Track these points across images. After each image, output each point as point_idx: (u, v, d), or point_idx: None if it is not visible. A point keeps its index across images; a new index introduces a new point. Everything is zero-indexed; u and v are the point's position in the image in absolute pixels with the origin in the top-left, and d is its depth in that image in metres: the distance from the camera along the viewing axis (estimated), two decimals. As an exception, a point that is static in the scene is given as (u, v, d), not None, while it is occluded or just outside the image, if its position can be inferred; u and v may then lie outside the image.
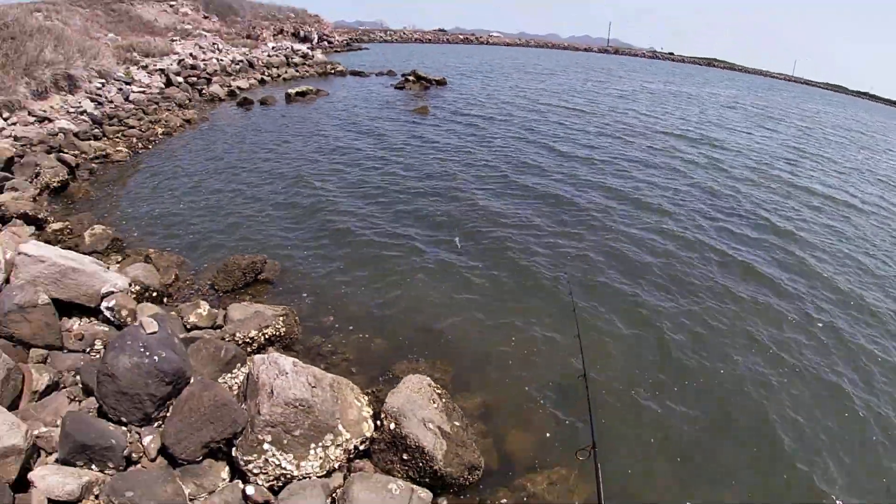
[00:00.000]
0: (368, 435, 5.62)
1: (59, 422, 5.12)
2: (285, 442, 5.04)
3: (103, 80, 22.63)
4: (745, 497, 6.27)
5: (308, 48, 50.95)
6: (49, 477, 4.36)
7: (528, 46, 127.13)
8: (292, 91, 28.70)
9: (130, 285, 7.81)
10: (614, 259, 11.40)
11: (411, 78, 36.05)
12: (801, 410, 7.63)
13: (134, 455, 4.96)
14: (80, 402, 5.68)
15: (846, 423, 7.59)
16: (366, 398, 6.09)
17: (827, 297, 10.96)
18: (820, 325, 9.86)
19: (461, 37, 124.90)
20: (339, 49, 67.90)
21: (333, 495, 5.07)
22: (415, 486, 5.21)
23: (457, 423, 5.86)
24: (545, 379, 7.51)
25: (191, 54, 34.31)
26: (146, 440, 5.06)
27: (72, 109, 18.47)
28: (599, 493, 4.10)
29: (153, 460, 4.99)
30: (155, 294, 8.24)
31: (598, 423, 5.05)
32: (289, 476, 5.01)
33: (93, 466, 4.74)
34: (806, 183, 19.93)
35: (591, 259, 11.29)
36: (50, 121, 16.77)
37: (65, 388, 5.95)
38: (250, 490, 4.86)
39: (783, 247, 13.06)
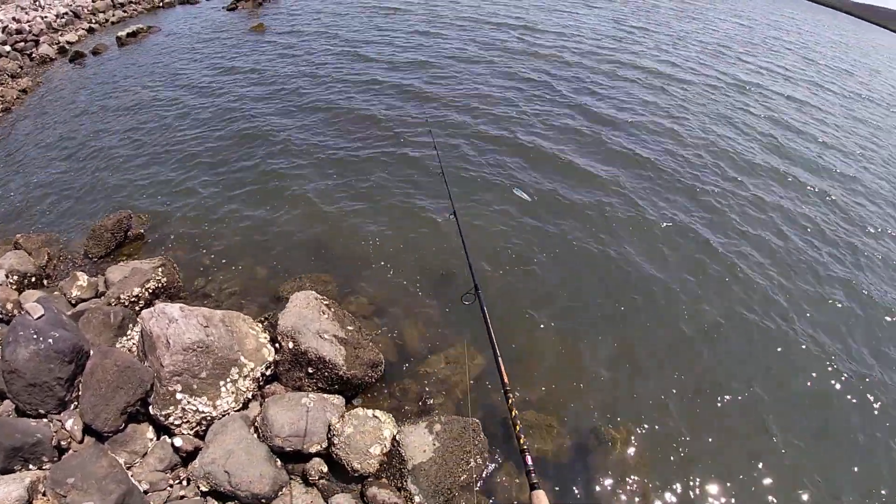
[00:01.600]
0: (271, 359, 5.73)
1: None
2: (195, 387, 5.08)
3: (-73, 68, 20.41)
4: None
5: (130, -18, 46.93)
6: (-5, 490, 4.28)
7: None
8: (123, 34, 26.26)
9: (7, 276, 7.41)
10: (474, 137, 11.60)
11: (242, -3, 33.65)
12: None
13: (63, 442, 4.91)
14: (-5, 408, 5.51)
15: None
16: (260, 326, 6.14)
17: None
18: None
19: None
20: (163, -23, 62.91)
21: (255, 423, 5.20)
22: (326, 395, 5.41)
23: (350, 328, 6.02)
24: (422, 266, 7.75)
25: (14, 18, 31.05)
26: (68, 424, 5.01)
27: None
28: (489, 330, 4.35)
29: (81, 442, 4.97)
30: (34, 279, 7.81)
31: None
32: (209, 417, 5.10)
33: (30, 466, 4.68)
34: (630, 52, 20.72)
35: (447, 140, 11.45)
36: None
37: (-25, 398, 5.73)
38: (178, 442, 4.95)
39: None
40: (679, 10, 36.00)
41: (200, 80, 17.87)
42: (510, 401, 3.79)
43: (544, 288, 7.68)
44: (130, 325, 6.13)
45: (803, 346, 7.37)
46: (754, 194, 10.82)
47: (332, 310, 6.18)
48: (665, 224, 9.30)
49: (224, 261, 8.17)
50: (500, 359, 4.07)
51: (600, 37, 23.24)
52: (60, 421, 5.05)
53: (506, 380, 3.94)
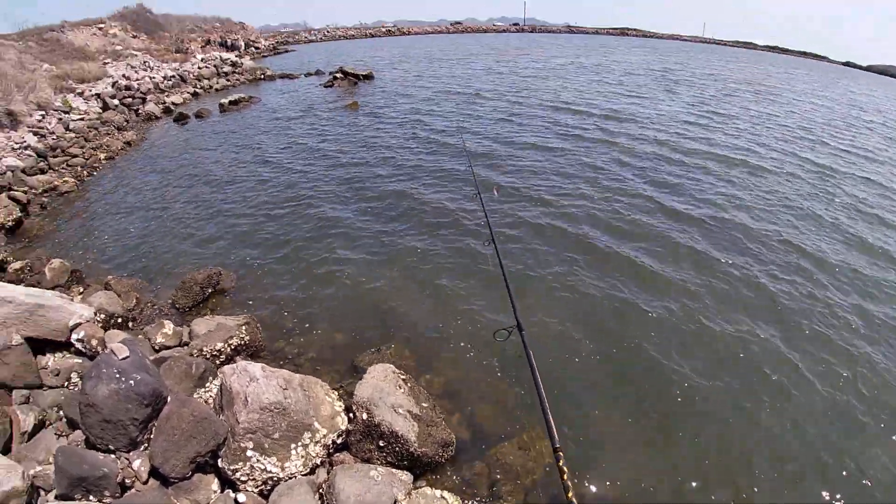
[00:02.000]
0: (344, 428, 5.73)
1: (51, 459, 5.12)
2: (266, 446, 5.12)
3: (43, 112, 21.84)
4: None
5: (236, 56, 49.81)
6: (52, 514, 4.37)
7: (448, 33, 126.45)
8: (226, 101, 28.11)
9: (96, 314, 7.71)
10: (539, 232, 11.62)
11: (339, 75, 35.54)
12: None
13: (127, 480, 4.97)
14: (67, 436, 5.66)
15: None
16: (336, 393, 6.18)
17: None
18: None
19: (384, 29, 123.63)
20: (266, 54, 66.65)
21: (320, 490, 5.16)
22: (395, 470, 5.36)
23: (424, 405, 6.01)
24: (500, 352, 7.69)
25: (124, 75, 33.25)
26: (136, 464, 5.08)
27: (16, 146, 17.83)
28: (533, 369, 4.30)
29: (145, 483, 5.01)
30: (120, 320, 8.15)
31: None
32: (275, 478, 5.10)
33: (90, 497, 4.73)
34: (705, 139, 20.25)
35: (514, 236, 11.46)
36: (-5, 160, 16.23)
37: (51, 424, 5.91)
38: (242, 498, 4.95)
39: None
40: (757, 93, 35.70)
41: (293, 151, 18.77)
42: (560, 461, 3.67)
43: (609, 389, 7.49)
44: (210, 378, 6.30)
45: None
46: (841, 303, 9.62)
47: (409, 384, 6.19)
48: (733, 335, 8.65)
49: (306, 325, 8.33)
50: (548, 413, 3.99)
51: (679, 123, 23.08)
52: (128, 459, 5.11)
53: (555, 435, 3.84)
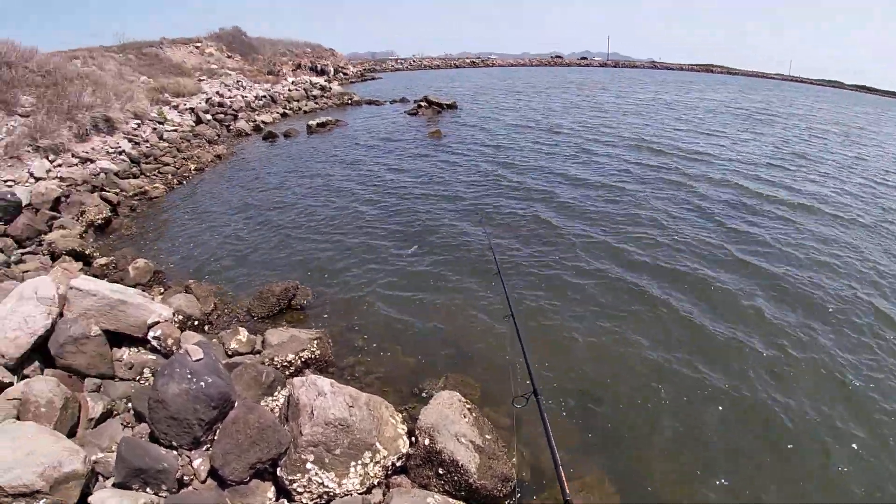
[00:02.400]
0: (404, 451, 5.60)
1: (114, 447, 5.18)
2: (327, 461, 5.05)
3: (139, 121, 22.88)
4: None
5: (325, 80, 51.33)
6: (108, 500, 4.39)
7: (532, 66, 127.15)
8: (313, 123, 28.87)
9: (174, 315, 7.87)
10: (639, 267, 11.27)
11: (423, 104, 36.08)
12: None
13: (185, 477, 4.98)
14: (132, 427, 5.74)
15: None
16: (400, 415, 6.07)
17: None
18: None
19: (468, 61, 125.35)
20: (354, 80, 68.37)
21: (375, 511, 5.06)
22: (451, 500, 5.19)
23: (488, 437, 5.82)
24: (569, 391, 7.45)
25: (217, 92, 34.65)
26: (196, 463, 5.09)
27: (111, 150, 18.70)
28: (548, 433, 4.06)
29: (203, 482, 5.00)
30: (197, 323, 8.33)
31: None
32: (331, 494, 5.00)
33: (147, 489, 4.74)
34: (786, 185, 18.98)
35: (611, 273, 11.12)
36: (92, 161, 17.01)
37: (118, 414, 6.01)
38: (295, 508, 4.89)
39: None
40: (844, 136, 33.74)
41: (376, 175, 19.03)
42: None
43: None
44: (278, 388, 6.30)
45: None
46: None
47: (474, 415, 6.01)
48: (820, 422, 7.82)
49: (375, 345, 8.30)
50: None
51: (760, 167, 21.78)
52: (189, 457, 5.13)
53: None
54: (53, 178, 15.11)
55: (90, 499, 4.42)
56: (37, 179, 14.74)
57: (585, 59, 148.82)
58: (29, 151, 15.83)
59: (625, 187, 17.50)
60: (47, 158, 15.91)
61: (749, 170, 20.89)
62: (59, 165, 16.06)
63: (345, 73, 68.99)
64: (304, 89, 43.63)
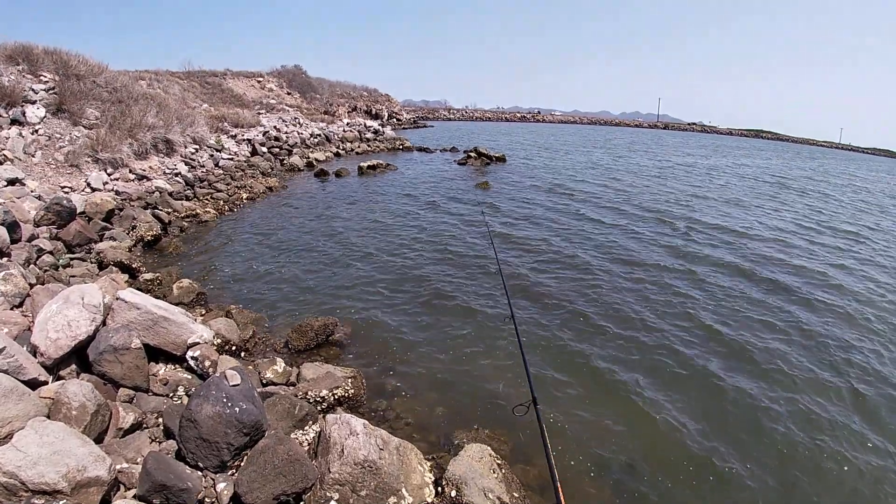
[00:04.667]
0: (430, 500, 5.48)
1: (139, 460, 5.22)
2: (351, 501, 4.96)
3: (197, 146, 23.59)
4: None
5: (379, 125, 52.42)
6: (127, 511, 4.39)
7: (582, 123, 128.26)
8: (364, 164, 29.44)
9: (214, 338, 7.97)
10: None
11: (473, 154, 36.50)
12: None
13: (207, 500, 4.96)
14: (160, 443, 5.75)
15: None
16: (428, 464, 5.97)
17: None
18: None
19: (518, 115, 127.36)
20: (406, 126, 69.92)
21: (395, 557, 4.95)
22: (472, 557, 5.07)
23: (515, 495, 5.68)
24: (604, 457, 7.23)
25: (274, 127, 35.61)
26: (220, 486, 5.05)
27: (168, 171, 19.25)
28: (545, 440, 3.97)
29: (224, 507, 4.97)
30: (234, 348, 8.37)
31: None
32: (352, 535, 4.93)
33: (167, 506, 4.76)
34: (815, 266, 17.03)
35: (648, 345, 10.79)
36: (148, 179, 17.50)
37: (147, 428, 6.03)
38: (315, 545, 4.81)
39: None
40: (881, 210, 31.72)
41: (424, 222, 19.14)
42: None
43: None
44: (310, 422, 6.27)
45: None
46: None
47: (503, 471, 5.89)
48: None
49: (409, 390, 8.19)
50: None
51: (779, 243, 19.77)
52: (213, 480, 5.11)
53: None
54: (109, 191, 15.57)
55: (109, 507, 4.43)
56: (93, 190, 15.21)
57: (644, 120, 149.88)
58: (89, 162, 16.36)
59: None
60: (105, 171, 16.43)
61: (768, 245, 19.39)
62: (117, 179, 16.55)
63: (398, 119, 70.54)
64: (358, 131, 44.60)
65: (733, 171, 45.72)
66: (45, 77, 18.87)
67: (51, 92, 18.12)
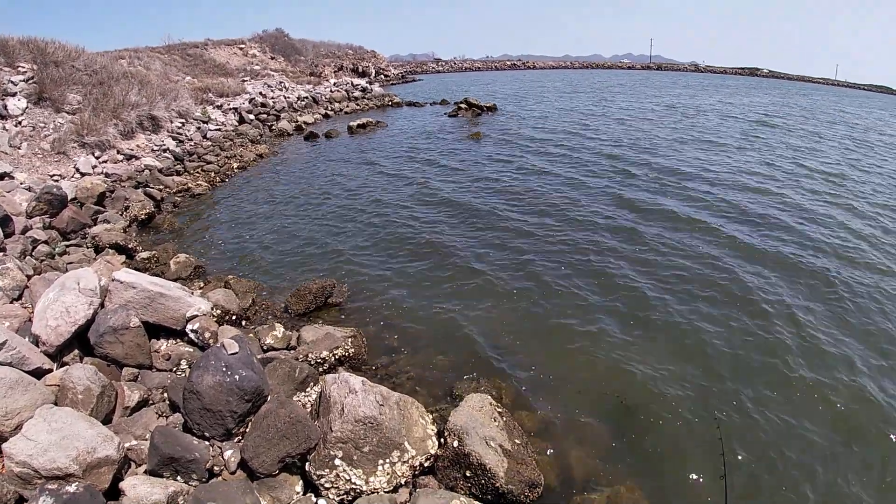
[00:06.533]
0: (433, 452, 5.59)
1: (148, 435, 5.32)
2: (355, 458, 5.06)
3: (183, 120, 23.39)
4: None
5: (367, 82, 51.80)
6: (139, 486, 4.49)
7: (573, 68, 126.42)
8: (354, 124, 29.18)
9: (212, 309, 8.04)
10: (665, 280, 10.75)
11: (463, 106, 36.11)
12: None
13: (216, 468, 5.09)
14: (167, 417, 5.88)
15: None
16: (430, 416, 6.05)
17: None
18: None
19: (508, 63, 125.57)
20: (395, 81, 68.99)
21: (400, 510, 5.07)
22: (476, 503, 5.17)
23: (517, 441, 5.76)
24: (602, 398, 7.29)
25: (260, 93, 35.21)
26: (227, 454, 5.18)
27: (156, 148, 19.16)
28: None
29: (233, 473, 5.08)
30: (234, 317, 8.47)
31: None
32: (358, 491, 5.01)
33: (178, 478, 4.88)
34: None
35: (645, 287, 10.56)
36: (136, 158, 17.47)
37: (153, 404, 6.15)
38: (322, 503, 4.91)
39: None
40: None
41: (417, 176, 19.02)
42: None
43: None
44: (311, 384, 6.38)
45: None
46: None
47: (504, 419, 5.97)
48: None
49: (409, 345, 8.27)
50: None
51: (748, 176, 19.26)
52: (220, 448, 5.24)
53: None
54: (99, 174, 15.53)
55: (121, 484, 4.55)
56: (82, 175, 15.18)
57: (637, 63, 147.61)
58: (75, 148, 16.31)
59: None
60: (93, 155, 16.37)
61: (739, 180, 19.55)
62: (105, 162, 16.51)
63: (386, 75, 69.54)
64: (346, 91, 44.05)
65: (729, 109, 43.69)
66: (23, 67, 18.62)
67: (30, 82, 17.92)
